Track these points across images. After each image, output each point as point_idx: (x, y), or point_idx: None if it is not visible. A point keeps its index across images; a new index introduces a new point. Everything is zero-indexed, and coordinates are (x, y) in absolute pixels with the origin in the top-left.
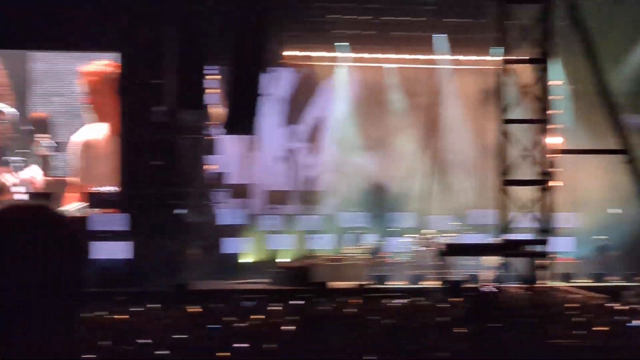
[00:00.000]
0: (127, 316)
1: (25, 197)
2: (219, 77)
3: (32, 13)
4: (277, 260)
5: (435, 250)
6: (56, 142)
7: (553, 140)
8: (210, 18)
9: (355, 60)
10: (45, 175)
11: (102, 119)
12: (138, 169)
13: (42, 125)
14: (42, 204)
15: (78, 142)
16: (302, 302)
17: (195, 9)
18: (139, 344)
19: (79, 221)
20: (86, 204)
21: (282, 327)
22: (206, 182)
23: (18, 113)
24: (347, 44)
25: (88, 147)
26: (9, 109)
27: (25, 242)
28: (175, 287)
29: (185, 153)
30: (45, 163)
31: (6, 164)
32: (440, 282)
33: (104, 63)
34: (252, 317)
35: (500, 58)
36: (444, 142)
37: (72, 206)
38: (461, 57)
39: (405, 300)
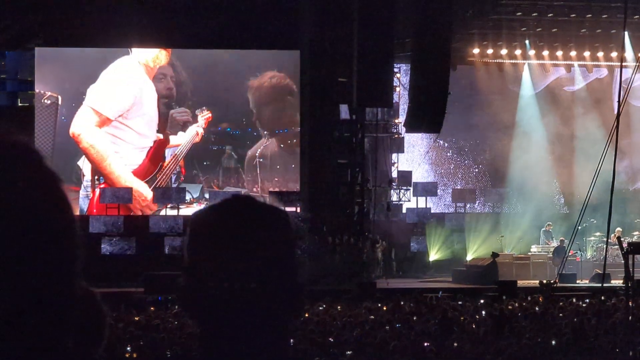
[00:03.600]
0: (307, 315)
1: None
2: (404, 74)
3: (213, 13)
4: (464, 258)
5: (621, 248)
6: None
7: None
8: (396, 15)
9: (541, 57)
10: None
11: (272, 130)
12: (321, 166)
13: (226, 136)
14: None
15: (249, 155)
16: (491, 300)
17: (380, 6)
18: (323, 343)
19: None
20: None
21: (472, 325)
22: (392, 179)
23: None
24: (532, 41)
25: (254, 160)
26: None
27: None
28: (360, 285)
29: (370, 151)
30: (229, 173)
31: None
32: (626, 281)
33: (270, 75)
34: (439, 314)
35: None
36: (632, 141)
37: None
38: None
39: (593, 299)
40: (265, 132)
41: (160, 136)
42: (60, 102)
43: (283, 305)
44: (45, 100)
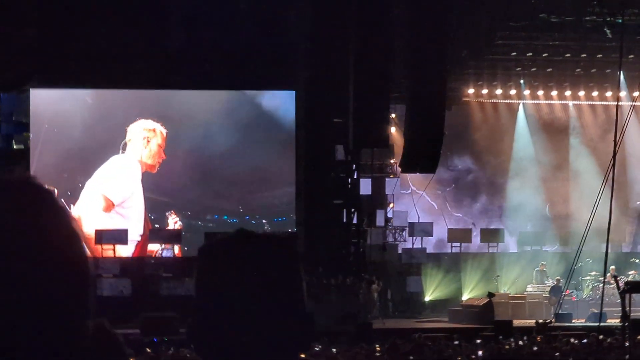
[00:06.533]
0: (303, 355)
1: None
2: (399, 114)
3: (209, 53)
4: (460, 298)
5: (618, 288)
6: None
7: None
8: (392, 56)
9: (535, 97)
10: None
11: (271, 219)
12: (317, 207)
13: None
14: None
15: None
16: (487, 340)
17: (375, 47)
18: None
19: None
20: None
21: None
22: (387, 220)
23: None
24: (527, 80)
25: None
26: None
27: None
28: (356, 326)
29: (365, 191)
30: None
31: None
32: (623, 321)
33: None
34: (436, 354)
35: None
36: (626, 179)
37: None
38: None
39: (589, 339)
40: (264, 222)
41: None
42: (56, 194)
43: (292, 337)
44: None
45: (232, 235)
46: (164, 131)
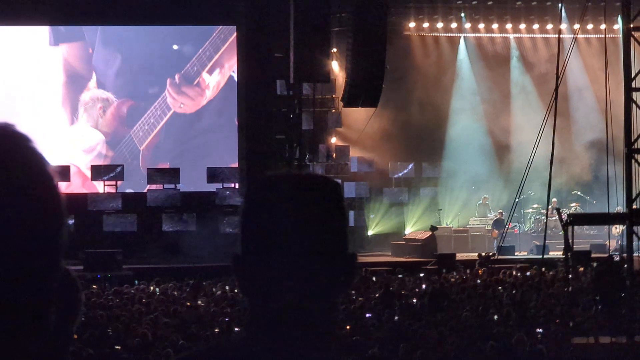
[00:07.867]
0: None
1: None
2: (340, 49)
3: None
4: (403, 232)
5: (560, 220)
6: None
7: None
8: None
9: (477, 30)
10: None
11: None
12: (259, 142)
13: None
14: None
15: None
16: (429, 273)
17: None
18: None
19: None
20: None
21: (411, 299)
22: (330, 154)
23: None
24: (468, 14)
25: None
26: None
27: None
28: None
29: (307, 126)
30: None
31: None
32: (565, 253)
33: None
34: (379, 288)
35: (626, 26)
36: (568, 111)
37: None
38: (583, 26)
39: (532, 272)
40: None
41: None
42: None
43: (336, 276)
44: None
45: (281, 174)
46: (115, 98)
